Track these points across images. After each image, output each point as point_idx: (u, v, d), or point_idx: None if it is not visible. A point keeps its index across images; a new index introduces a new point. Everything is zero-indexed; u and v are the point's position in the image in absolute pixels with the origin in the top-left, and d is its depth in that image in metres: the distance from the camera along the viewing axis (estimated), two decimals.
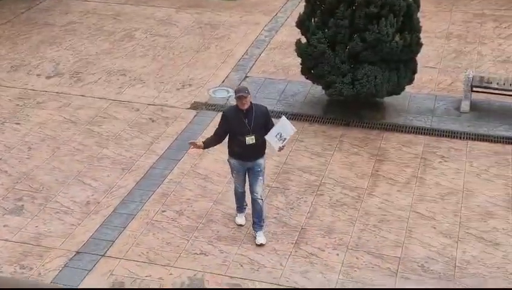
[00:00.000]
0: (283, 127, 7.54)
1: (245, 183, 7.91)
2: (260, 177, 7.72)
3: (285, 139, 7.51)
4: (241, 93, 7.53)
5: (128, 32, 13.63)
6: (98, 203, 8.56)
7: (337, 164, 9.42)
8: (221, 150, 8.43)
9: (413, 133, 10.21)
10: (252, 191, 7.78)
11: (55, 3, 15.22)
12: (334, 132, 10.20)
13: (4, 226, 8.14)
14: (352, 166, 9.38)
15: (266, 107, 7.77)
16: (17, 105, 10.92)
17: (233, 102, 10.93)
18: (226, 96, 11.21)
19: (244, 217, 8.19)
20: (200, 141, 7.96)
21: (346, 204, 8.58)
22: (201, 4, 15.18)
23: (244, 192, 8.04)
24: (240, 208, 8.20)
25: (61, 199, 8.62)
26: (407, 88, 10.65)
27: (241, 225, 8.13)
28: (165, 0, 15.41)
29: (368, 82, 9.93)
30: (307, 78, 10.68)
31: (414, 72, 10.54)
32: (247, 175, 7.82)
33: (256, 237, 7.88)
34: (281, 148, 7.60)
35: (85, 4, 15.17)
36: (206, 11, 14.79)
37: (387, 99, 10.83)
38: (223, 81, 11.72)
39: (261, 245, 7.81)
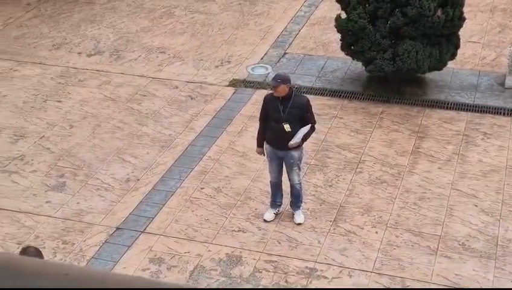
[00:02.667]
0: (302, 132, 7.42)
1: (279, 174, 7.72)
2: (295, 168, 7.63)
3: (294, 140, 7.41)
4: (272, 81, 7.60)
5: (168, 10, 13.64)
6: (138, 180, 8.64)
7: (377, 141, 9.31)
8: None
9: (456, 109, 10.01)
10: (289, 179, 7.75)
11: None
12: (374, 109, 10.07)
13: (47, 202, 8.29)
14: (392, 143, 9.26)
15: (307, 100, 7.54)
16: (59, 83, 11.06)
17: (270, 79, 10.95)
18: (265, 73, 11.16)
19: (273, 214, 7.86)
20: (258, 149, 7.87)
21: (385, 182, 8.49)
22: None
23: (278, 184, 7.78)
24: (274, 203, 7.89)
25: (101, 176, 8.73)
26: (450, 63, 10.43)
27: (266, 221, 7.81)
28: None
29: (409, 58, 9.76)
30: (346, 54, 10.54)
31: (457, 47, 10.31)
32: (283, 166, 7.69)
33: (295, 216, 7.85)
34: (291, 145, 7.41)
35: None
36: None
37: (429, 75, 10.64)
38: (261, 58, 11.66)
39: (299, 224, 7.79)
